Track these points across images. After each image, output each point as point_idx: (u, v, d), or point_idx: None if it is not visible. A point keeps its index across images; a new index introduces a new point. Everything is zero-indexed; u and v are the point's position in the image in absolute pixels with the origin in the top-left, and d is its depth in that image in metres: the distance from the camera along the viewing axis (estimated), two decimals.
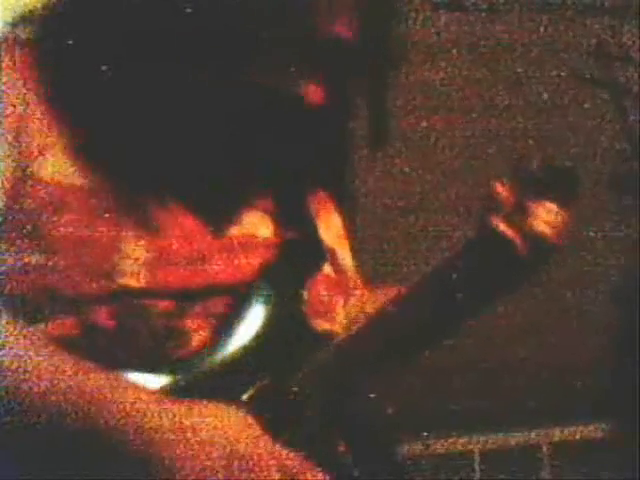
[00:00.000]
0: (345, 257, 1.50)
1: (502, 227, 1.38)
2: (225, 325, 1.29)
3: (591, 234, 2.38)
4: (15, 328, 1.18)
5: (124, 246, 1.25)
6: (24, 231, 1.22)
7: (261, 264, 1.33)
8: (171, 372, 1.24)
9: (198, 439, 1.14)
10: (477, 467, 2.38)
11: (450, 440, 2.37)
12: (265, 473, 1.15)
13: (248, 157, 1.32)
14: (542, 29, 2.31)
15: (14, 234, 1.22)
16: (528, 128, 2.32)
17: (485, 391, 2.34)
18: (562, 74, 2.28)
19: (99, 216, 1.24)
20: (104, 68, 1.25)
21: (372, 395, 1.43)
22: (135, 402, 1.14)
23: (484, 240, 1.40)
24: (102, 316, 1.23)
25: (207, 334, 1.28)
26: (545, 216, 1.38)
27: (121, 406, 1.13)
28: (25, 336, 1.18)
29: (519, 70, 2.29)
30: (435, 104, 2.22)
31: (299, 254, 1.39)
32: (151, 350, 1.24)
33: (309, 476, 1.19)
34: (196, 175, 1.30)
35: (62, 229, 1.23)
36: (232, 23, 1.25)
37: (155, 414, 1.14)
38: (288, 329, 1.33)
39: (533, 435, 2.42)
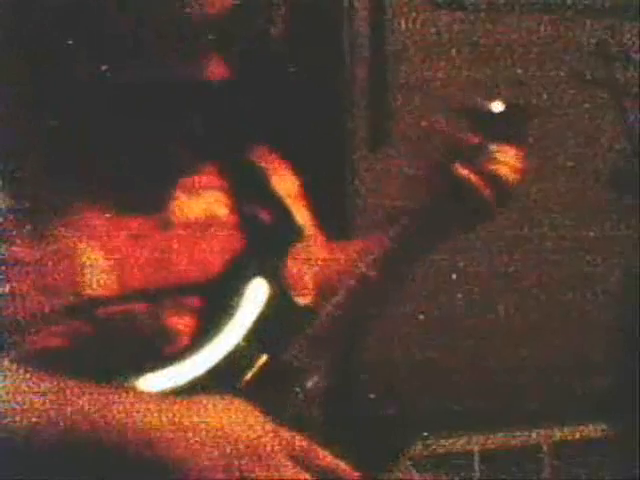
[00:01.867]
0: (304, 218, 1.47)
1: (465, 173, 1.37)
2: (208, 318, 1.28)
3: (591, 234, 2.38)
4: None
5: (81, 258, 1.22)
6: None
7: (226, 252, 1.32)
8: (166, 371, 1.23)
9: (198, 438, 1.13)
10: (477, 467, 2.38)
11: (450, 440, 2.36)
12: (273, 460, 1.14)
13: (178, 143, 1.31)
14: (542, 29, 2.31)
15: None
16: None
17: (485, 391, 2.34)
18: (562, 74, 2.28)
19: (45, 234, 1.21)
20: None
21: (372, 395, 1.43)
22: (135, 404, 1.14)
23: (449, 188, 1.39)
24: (83, 327, 1.21)
25: (192, 329, 1.27)
26: (505, 159, 1.38)
27: (121, 407, 1.13)
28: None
29: (519, 70, 2.29)
30: (435, 104, 2.22)
31: (269, 236, 1.38)
32: (142, 352, 1.23)
33: (317, 456, 1.17)
34: (131, 171, 1.27)
35: (9, 255, 1.19)
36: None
37: (155, 415, 1.14)
38: (273, 312, 1.31)
39: (533, 435, 2.42)
